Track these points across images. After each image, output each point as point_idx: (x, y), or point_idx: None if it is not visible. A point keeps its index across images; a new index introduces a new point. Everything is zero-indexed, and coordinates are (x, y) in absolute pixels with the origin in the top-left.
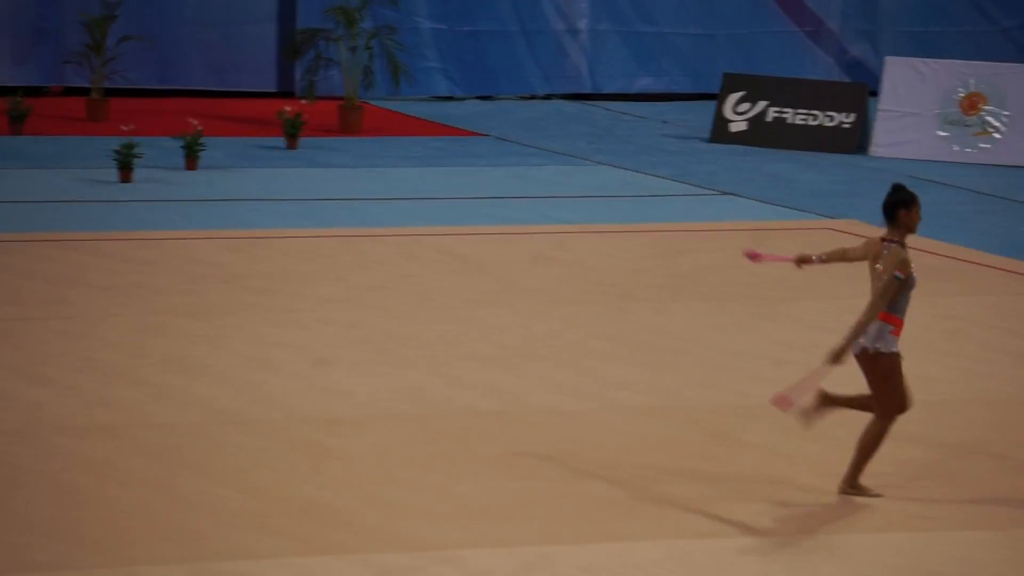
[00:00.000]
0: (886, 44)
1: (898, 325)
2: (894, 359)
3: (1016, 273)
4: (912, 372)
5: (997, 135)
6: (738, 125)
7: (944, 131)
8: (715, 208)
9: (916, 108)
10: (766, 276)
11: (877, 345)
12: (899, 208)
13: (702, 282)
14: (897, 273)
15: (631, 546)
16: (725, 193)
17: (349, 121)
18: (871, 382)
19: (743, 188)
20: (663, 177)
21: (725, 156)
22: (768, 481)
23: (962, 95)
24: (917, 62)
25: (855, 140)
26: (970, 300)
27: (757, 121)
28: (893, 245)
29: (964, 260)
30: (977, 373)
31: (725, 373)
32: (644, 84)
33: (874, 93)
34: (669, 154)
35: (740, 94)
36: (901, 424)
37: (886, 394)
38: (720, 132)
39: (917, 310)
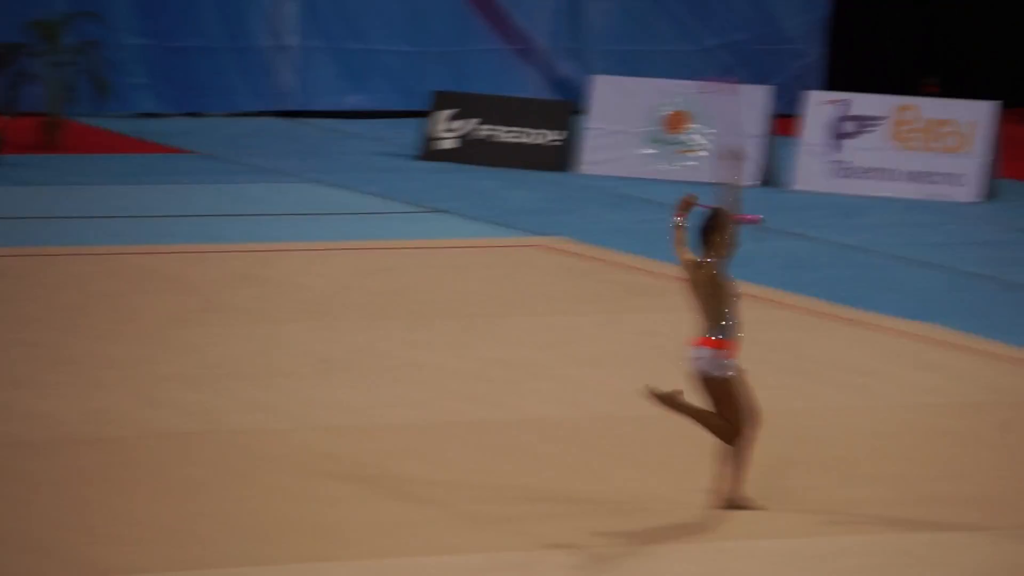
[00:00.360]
0: (593, 62)
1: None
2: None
3: None
4: (618, 389)
5: (702, 153)
6: (448, 142)
7: (650, 149)
8: (425, 225)
9: (623, 126)
10: (474, 294)
11: (711, 370)
12: (710, 232)
13: (410, 299)
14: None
15: (330, 566)
16: (435, 211)
17: (51, 138)
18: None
19: (453, 205)
20: (373, 194)
21: (435, 173)
22: (447, 501)
23: (667, 113)
24: (623, 80)
25: (564, 157)
26: (675, 317)
27: (467, 138)
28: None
29: (670, 277)
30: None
31: (432, 390)
32: (355, 101)
33: (583, 111)
34: (379, 171)
35: (450, 111)
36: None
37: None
38: (430, 149)
39: (624, 326)
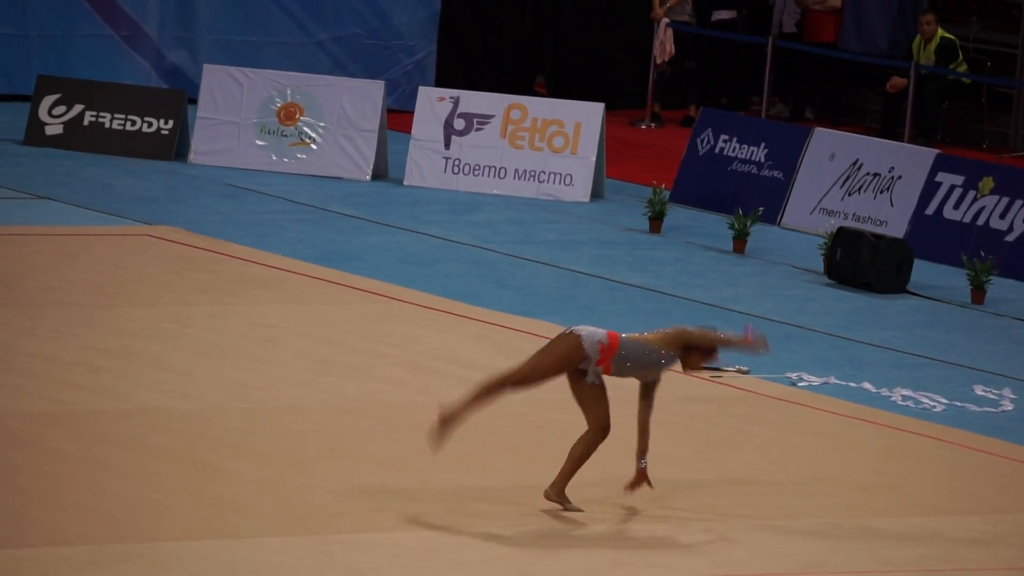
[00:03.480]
0: (204, 52)
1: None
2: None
3: (329, 282)
4: (229, 379)
5: (313, 146)
6: (54, 128)
7: (262, 140)
8: (30, 212)
9: (234, 117)
10: (81, 282)
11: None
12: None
13: (15, 288)
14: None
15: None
16: (41, 197)
17: None
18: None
19: (59, 192)
20: None
21: (40, 159)
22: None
23: (279, 105)
24: (235, 71)
25: (174, 147)
26: (285, 309)
27: (74, 125)
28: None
29: (280, 268)
30: (291, 381)
31: (38, 380)
32: None
33: (193, 100)
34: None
35: (55, 97)
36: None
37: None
38: (35, 135)
39: (234, 318)
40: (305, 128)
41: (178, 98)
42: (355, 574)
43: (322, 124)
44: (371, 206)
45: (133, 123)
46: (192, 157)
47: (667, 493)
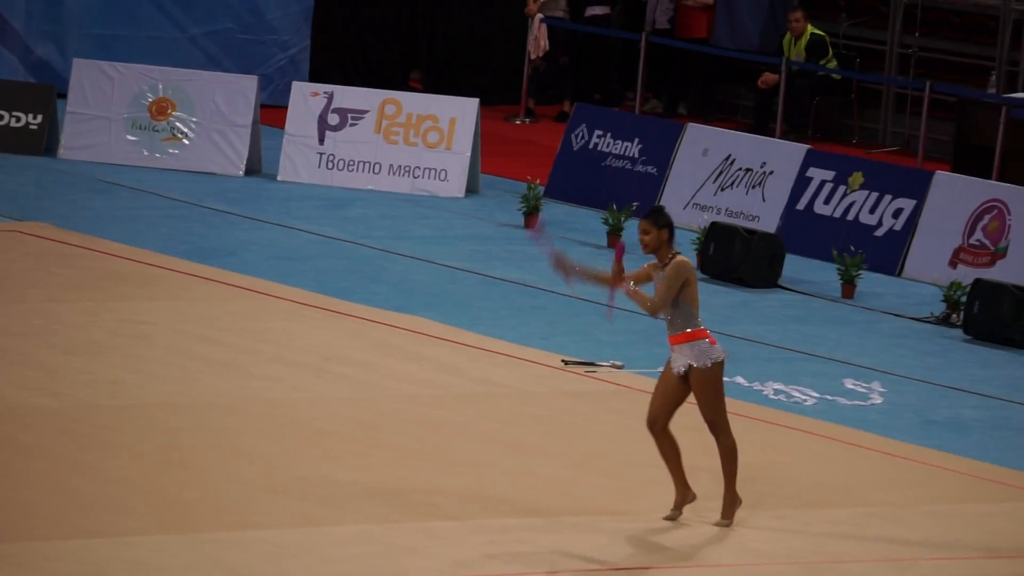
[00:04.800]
0: (73, 46)
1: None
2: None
3: (202, 278)
4: (100, 377)
5: (186, 141)
6: None
7: (133, 135)
8: None
9: (105, 112)
10: None
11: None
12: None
13: None
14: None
15: None
16: None
17: None
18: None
19: None
20: None
21: None
22: None
23: (151, 100)
24: (106, 65)
25: (43, 142)
26: (158, 305)
27: None
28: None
29: (153, 265)
30: (164, 378)
31: None
32: None
33: (62, 95)
34: None
35: None
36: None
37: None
38: None
39: (105, 315)
40: (177, 123)
41: (47, 93)
42: (228, 572)
43: (194, 119)
44: (245, 202)
45: (1, 118)
46: (62, 152)
47: (543, 492)
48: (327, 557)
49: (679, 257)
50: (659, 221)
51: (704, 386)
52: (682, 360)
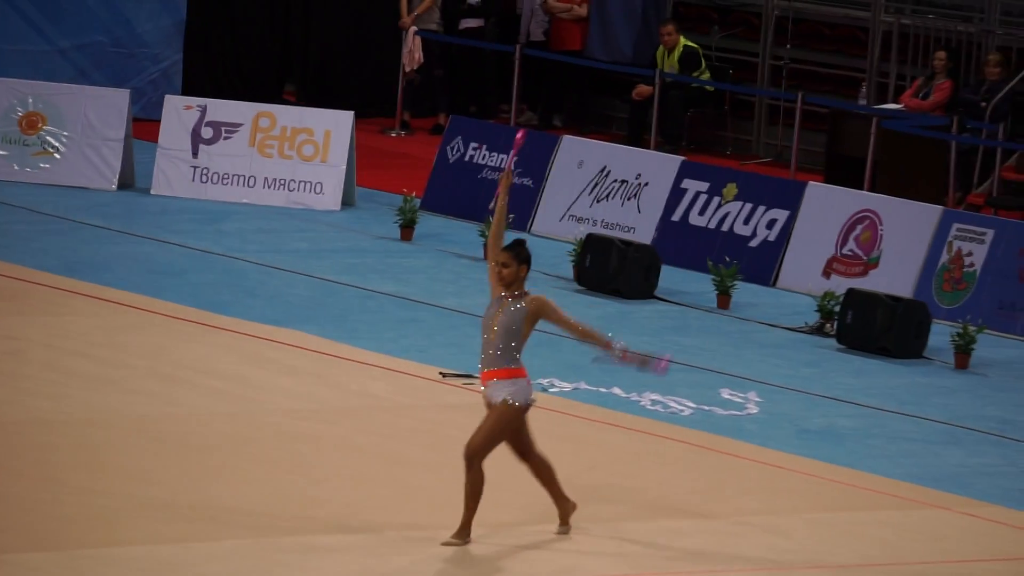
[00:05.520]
0: None
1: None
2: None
3: (75, 293)
4: None
5: (57, 155)
6: None
7: (3, 150)
8: None
9: None
10: None
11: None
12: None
13: None
14: None
15: None
16: None
17: None
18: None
19: None
20: None
21: None
22: None
23: (21, 114)
24: None
25: None
26: (29, 320)
27: None
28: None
29: (23, 280)
30: (36, 393)
31: None
32: None
33: None
34: None
35: None
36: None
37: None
38: None
39: None
40: (48, 137)
41: None
42: None
43: (66, 133)
44: (118, 216)
45: None
46: None
47: (423, 505)
48: (202, 573)
49: (540, 297)
50: (521, 256)
51: (501, 418)
52: (499, 396)
